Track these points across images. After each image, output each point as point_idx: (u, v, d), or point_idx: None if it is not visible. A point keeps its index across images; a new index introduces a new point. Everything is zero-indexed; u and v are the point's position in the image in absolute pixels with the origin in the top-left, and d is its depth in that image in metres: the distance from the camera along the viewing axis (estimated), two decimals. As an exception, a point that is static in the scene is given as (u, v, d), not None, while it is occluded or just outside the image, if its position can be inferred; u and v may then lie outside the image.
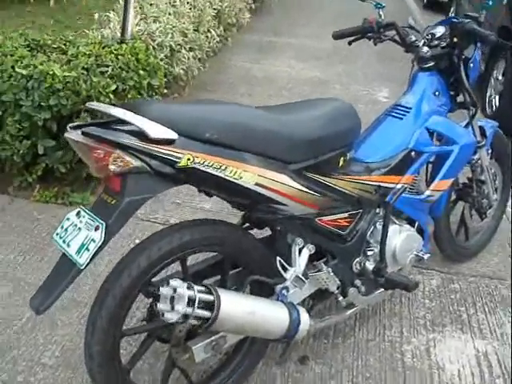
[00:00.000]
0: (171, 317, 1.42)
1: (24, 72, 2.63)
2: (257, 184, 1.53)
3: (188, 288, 1.45)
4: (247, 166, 1.51)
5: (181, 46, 4.00)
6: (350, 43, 2.34)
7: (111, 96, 2.72)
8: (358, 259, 1.94)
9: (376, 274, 1.95)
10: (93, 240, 1.38)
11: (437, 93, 2.14)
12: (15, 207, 2.90)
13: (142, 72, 2.93)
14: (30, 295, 2.23)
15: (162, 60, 3.63)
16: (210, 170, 1.46)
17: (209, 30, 4.63)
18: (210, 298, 1.47)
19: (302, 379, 1.99)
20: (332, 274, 1.84)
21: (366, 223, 1.92)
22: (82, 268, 1.38)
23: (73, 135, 1.40)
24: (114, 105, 1.62)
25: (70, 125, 1.44)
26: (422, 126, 2.05)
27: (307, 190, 1.66)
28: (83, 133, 1.38)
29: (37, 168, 2.87)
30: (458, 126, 2.22)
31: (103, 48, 2.98)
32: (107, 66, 2.79)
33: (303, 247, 1.76)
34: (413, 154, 2.02)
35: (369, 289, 1.99)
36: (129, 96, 2.85)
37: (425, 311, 2.34)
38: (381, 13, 2.22)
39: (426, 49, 2.13)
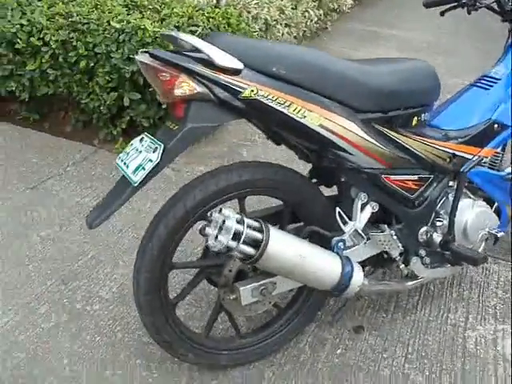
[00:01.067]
0: (214, 244, 1.40)
1: (117, 26, 2.72)
2: (321, 126, 1.48)
3: (238, 222, 1.42)
4: (313, 106, 1.46)
5: (277, 21, 3.99)
6: (442, 13, 2.20)
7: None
8: (424, 228, 1.83)
9: (443, 247, 1.84)
10: (150, 160, 1.39)
11: None
12: (97, 157, 3.01)
13: (231, 35, 2.95)
14: (98, 235, 2.38)
15: (255, 32, 3.64)
16: (273, 105, 1.42)
17: (307, 10, 4.59)
18: (258, 236, 1.44)
19: (353, 347, 1.92)
20: (395, 237, 1.75)
21: (436, 191, 1.82)
22: (135, 186, 1.39)
23: (142, 57, 1.42)
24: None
25: (141, 50, 1.47)
26: (509, 98, 1.91)
27: (375, 142, 1.58)
28: (151, 55, 1.40)
29: (121, 121, 2.96)
30: None
31: (196, 11, 3.03)
32: (197, 26, 2.83)
33: (366, 203, 1.68)
34: (495, 126, 1.89)
35: (433, 261, 1.88)
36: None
37: (496, 301, 2.17)
38: None
39: None
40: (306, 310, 1.83)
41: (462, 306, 2.13)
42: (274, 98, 1.42)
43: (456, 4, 2.10)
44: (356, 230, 1.65)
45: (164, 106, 2.77)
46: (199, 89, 1.38)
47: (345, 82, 1.52)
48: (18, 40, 2.90)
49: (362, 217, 1.67)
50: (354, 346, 1.92)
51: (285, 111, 1.44)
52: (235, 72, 1.39)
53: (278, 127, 1.52)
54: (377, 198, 1.70)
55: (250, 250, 1.43)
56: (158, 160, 1.37)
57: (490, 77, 1.96)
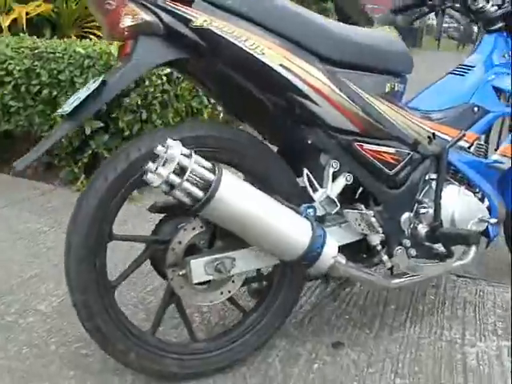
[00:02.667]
0: (153, 179, 1.17)
1: (83, 51, 2.63)
2: (282, 66, 1.31)
3: (185, 155, 1.20)
4: (272, 45, 1.30)
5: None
6: (411, 23, 2.14)
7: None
8: (407, 215, 1.60)
9: (430, 238, 1.62)
10: (87, 89, 1.21)
11: (506, 55, 1.89)
12: (56, 193, 2.83)
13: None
14: (46, 258, 2.14)
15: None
16: (227, 37, 1.26)
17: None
18: (208, 175, 1.21)
19: (332, 363, 1.61)
20: (373, 219, 1.52)
21: (417, 174, 1.62)
22: (66, 114, 1.19)
23: (88, -15, 1.28)
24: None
25: None
26: (485, 81, 1.81)
27: (343, 96, 1.40)
28: None
29: (83, 156, 2.78)
30: None
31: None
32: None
33: (339, 173, 1.48)
34: (475, 109, 1.77)
35: (420, 254, 1.63)
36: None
37: (495, 318, 1.89)
38: None
39: (494, 8, 1.90)
40: (276, 307, 1.55)
41: (456, 323, 1.85)
42: (228, 31, 1.26)
43: (426, 9, 2.04)
44: (328, 197, 1.42)
45: (127, 133, 2.62)
46: (147, 17, 1.23)
47: (310, 26, 1.37)
48: (-19, 72, 2.79)
49: (334, 186, 1.46)
50: (334, 361, 1.62)
51: (241, 45, 1.27)
52: (187, 2, 1.25)
53: (233, 69, 1.33)
54: (350, 167, 1.49)
55: (196, 190, 1.20)
56: (95, 87, 1.19)
57: (465, 65, 1.88)
